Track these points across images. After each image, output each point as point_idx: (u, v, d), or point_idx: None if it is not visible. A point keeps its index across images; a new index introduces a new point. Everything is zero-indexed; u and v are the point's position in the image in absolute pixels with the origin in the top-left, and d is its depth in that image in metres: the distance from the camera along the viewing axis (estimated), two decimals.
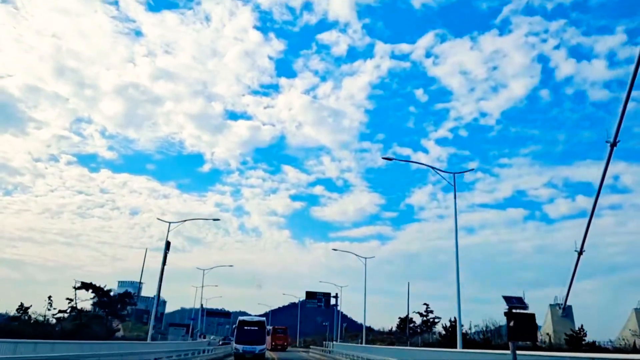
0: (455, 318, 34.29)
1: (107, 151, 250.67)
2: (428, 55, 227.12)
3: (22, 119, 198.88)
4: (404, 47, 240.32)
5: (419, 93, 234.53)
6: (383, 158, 31.12)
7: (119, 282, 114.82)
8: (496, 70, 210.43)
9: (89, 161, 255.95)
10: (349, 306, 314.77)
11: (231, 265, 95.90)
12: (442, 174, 31.26)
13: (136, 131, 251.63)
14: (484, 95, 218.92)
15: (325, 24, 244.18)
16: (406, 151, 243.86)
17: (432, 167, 32.40)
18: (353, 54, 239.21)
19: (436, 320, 61.58)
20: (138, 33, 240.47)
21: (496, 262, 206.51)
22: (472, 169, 40.29)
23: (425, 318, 62.02)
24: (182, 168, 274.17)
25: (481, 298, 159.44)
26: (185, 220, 43.63)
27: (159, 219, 56.60)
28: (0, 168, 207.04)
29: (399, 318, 69.85)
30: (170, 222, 42.24)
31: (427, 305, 60.98)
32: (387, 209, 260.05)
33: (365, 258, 55.61)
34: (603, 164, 55.66)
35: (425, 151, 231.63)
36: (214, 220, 54.97)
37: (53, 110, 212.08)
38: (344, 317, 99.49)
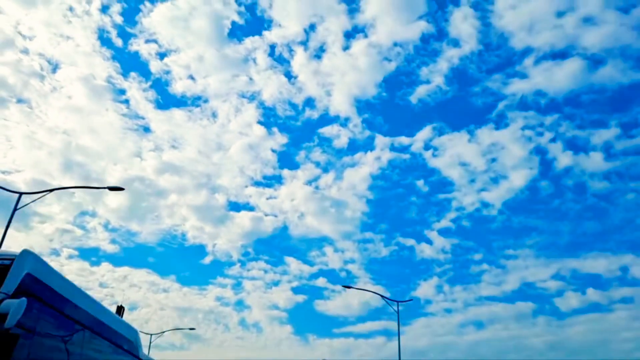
0: None
1: (109, 244, 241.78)
2: (427, 147, 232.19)
3: (27, 214, 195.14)
4: (404, 140, 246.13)
5: (420, 184, 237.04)
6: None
7: None
8: (495, 162, 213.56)
9: (90, 255, 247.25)
10: None
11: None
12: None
13: (139, 224, 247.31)
14: (485, 186, 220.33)
15: (326, 119, 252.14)
16: (409, 242, 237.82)
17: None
18: (354, 146, 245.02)
19: None
20: (146, 129, 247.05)
21: None
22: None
23: None
24: (184, 260, 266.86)
25: None
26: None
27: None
28: None
29: None
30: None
31: None
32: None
33: (398, 302, 56.59)
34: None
35: (429, 242, 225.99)
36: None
37: (58, 205, 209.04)
38: None
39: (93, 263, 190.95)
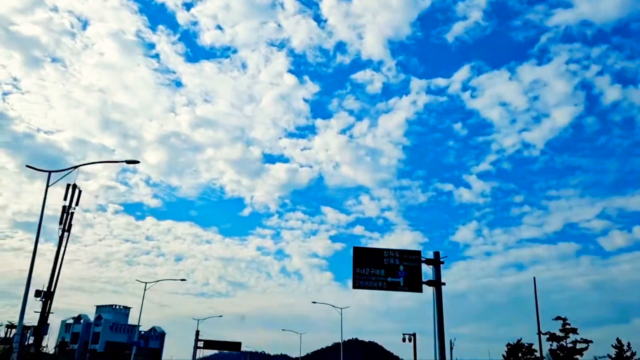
0: None
1: (152, 199, 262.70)
2: (465, 88, 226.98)
3: (71, 172, 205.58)
4: (440, 82, 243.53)
5: (458, 127, 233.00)
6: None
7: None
8: (537, 100, 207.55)
9: (134, 209, 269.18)
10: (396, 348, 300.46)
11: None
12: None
13: (179, 179, 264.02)
14: (526, 126, 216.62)
15: (359, 64, 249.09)
16: (447, 187, 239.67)
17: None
18: (388, 92, 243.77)
19: None
20: (178, 84, 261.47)
21: (549, 300, 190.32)
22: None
23: None
24: (224, 213, 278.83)
25: (533, 338, 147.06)
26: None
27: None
28: (51, 220, 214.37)
29: None
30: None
31: None
32: (430, 247, 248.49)
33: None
34: None
35: (468, 186, 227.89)
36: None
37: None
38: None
39: (138, 217, 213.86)
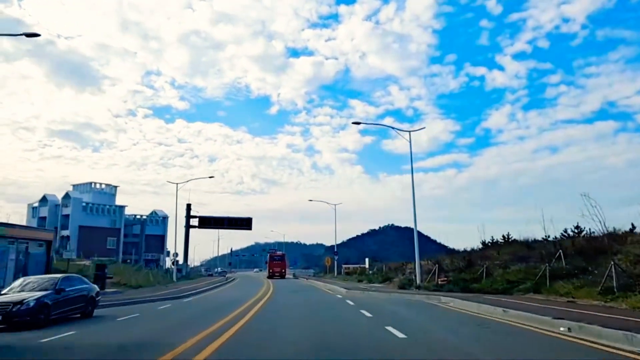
0: None
1: (179, 101, 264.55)
2: None
3: (96, 77, 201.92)
4: None
5: (491, 4, 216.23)
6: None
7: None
8: None
9: (164, 113, 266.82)
10: (438, 234, 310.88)
11: (212, 177, 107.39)
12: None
13: (203, 79, 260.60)
14: None
15: None
16: (480, 70, 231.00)
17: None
18: None
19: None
20: None
21: (583, 181, 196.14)
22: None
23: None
24: (251, 112, 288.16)
25: (568, 218, 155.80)
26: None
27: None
28: (85, 126, 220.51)
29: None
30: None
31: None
32: (462, 135, 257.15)
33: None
34: None
35: (501, 68, 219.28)
36: None
37: (124, 66, 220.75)
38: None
39: (167, 120, 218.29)
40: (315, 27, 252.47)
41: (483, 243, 33.06)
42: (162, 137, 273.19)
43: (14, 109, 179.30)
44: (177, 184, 55.34)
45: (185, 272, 61.02)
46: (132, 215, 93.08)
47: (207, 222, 63.93)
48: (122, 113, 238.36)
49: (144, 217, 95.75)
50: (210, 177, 77.48)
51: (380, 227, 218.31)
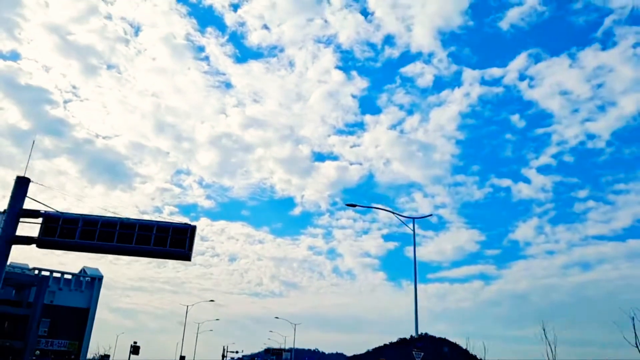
0: None
1: (205, 200, 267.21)
2: (522, 77, 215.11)
3: (129, 175, 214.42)
4: (495, 72, 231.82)
5: (515, 119, 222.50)
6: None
7: None
8: (602, 87, 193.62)
9: (189, 211, 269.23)
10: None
11: (212, 300, 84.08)
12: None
13: (230, 179, 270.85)
14: (590, 115, 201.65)
15: (408, 57, 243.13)
16: (505, 182, 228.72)
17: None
18: (439, 84, 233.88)
19: None
20: (228, 85, 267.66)
21: (618, 300, 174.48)
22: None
23: None
24: (275, 212, 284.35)
25: (603, 342, 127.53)
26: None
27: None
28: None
29: None
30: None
31: None
32: (488, 246, 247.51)
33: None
34: None
35: (527, 181, 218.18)
36: None
37: (155, 165, 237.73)
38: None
39: (193, 218, 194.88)
40: (341, 134, 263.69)
41: None
42: None
43: (47, 204, 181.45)
44: (187, 306, 49.66)
45: None
46: (24, 267, 56.50)
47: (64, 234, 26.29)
48: (148, 210, 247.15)
49: (53, 275, 58.08)
50: (211, 301, 63.80)
51: (411, 336, 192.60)
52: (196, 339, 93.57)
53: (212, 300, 70.65)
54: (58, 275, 58.89)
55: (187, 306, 47.67)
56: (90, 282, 61.70)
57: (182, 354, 69.81)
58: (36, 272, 57.42)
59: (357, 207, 31.76)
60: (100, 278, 62.54)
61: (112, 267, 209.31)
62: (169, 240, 26.96)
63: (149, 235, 26.65)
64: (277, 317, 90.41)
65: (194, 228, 27.81)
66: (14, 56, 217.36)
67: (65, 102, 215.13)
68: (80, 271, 64.11)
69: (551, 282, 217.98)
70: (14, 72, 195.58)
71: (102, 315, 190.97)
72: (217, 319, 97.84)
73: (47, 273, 58.01)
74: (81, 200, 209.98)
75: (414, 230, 28.76)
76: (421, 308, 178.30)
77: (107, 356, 71.42)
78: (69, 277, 59.93)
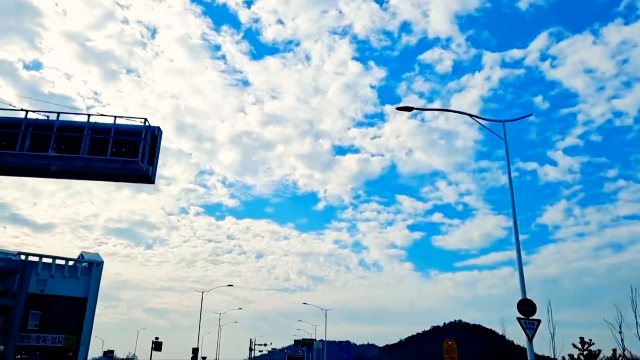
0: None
1: (230, 199, 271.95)
2: (544, 57, 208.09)
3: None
4: (515, 53, 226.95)
5: (539, 100, 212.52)
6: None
7: None
8: (627, 62, 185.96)
9: (214, 210, 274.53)
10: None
11: (230, 285, 71.85)
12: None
13: (253, 177, 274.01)
14: (616, 92, 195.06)
15: (426, 43, 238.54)
16: (531, 165, 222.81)
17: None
18: (459, 69, 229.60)
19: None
20: (245, 83, 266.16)
21: None
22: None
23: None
24: (298, 208, 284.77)
25: None
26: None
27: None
28: (140, 224, 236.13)
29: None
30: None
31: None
32: None
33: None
34: None
35: (554, 163, 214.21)
36: None
37: (179, 166, 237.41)
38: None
39: (218, 217, 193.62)
40: (361, 126, 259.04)
41: None
42: (212, 234, 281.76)
43: (75, 209, 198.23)
44: (202, 292, 51.13)
45: None
46: (9, 253, 49.69)
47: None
48: (175, 211, 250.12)
49: (42, 260, 50.03)
50: (229, 285, 66.44)
51: (445, 324, 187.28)
52: (219, 331, 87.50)
53: (230, 285, 67.93)
54: (49, 260, 50.59)
55: (202, 292, 44.09)
56: (88, 268, 53.30)
57: (196, 347, 63.47)
58: (22, 257, 49.37)
59: (413, 110, 22.94)
60: (100, 263, 54.18)
61: (143, 268, 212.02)
62: (110, 148, 17.79)
63: (78, 138, 17.53)
64: (305, 303, 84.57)
65: (154, 130, 18.72)
66: (36, 65, 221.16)
67: (88, 108, 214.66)
68: (79, 257, 56.03)
69: (583, 265, 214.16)
70: (37, 82, 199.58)
71: (135, 315, 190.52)
72: (239, 308, 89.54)
73: (36, 258, 50.02)
74: (108, 204, 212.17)
75: (505, 135, 21.13)
76: (451, 296, 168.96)
77: (112, 352, 64.72)
78: (62, 262, 51.51)
